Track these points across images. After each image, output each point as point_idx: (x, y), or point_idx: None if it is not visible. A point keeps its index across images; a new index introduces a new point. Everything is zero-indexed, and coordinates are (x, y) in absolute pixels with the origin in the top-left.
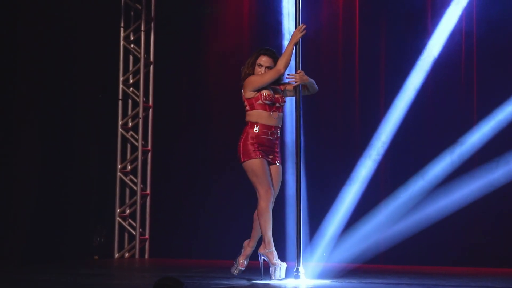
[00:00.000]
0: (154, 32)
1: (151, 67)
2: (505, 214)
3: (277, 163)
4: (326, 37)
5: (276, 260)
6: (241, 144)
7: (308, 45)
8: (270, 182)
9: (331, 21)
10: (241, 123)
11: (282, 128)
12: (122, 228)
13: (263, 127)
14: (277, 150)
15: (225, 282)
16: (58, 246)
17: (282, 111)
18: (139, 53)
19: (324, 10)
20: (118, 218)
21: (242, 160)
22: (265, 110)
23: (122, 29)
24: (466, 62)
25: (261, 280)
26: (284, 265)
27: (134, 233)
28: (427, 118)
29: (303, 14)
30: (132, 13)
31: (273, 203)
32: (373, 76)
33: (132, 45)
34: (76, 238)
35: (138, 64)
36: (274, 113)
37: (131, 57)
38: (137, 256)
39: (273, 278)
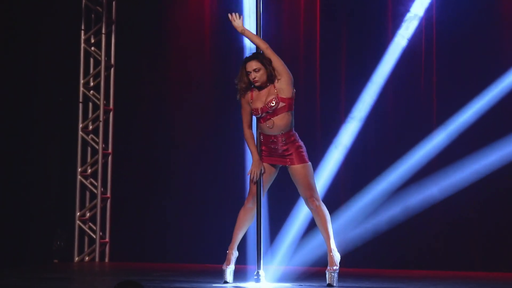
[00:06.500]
0: (115, 35)
1: (112, 70)
2: (466, 217)
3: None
4: (287, 41)
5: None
6: None
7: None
8: (254, 187)
9: (292, 24)
10: (202, 125)
11: None
12: (82, 231)
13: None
14: (286, 153)
15: (186, 285)
16: (17, 250)
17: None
18: (100, 56)
19: (285, 12)
20: (78, 222)
21: None
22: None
23: (82, 31)
24: (425, 65)
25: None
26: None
27: (94, 236)
28: (387, 121)
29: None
30: (92, 15)
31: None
32: (333, 80)
33: (92, 48)
34: (35, 241)
35: (99, 67)
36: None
37: (91, 60)
38: (97, 259)
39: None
